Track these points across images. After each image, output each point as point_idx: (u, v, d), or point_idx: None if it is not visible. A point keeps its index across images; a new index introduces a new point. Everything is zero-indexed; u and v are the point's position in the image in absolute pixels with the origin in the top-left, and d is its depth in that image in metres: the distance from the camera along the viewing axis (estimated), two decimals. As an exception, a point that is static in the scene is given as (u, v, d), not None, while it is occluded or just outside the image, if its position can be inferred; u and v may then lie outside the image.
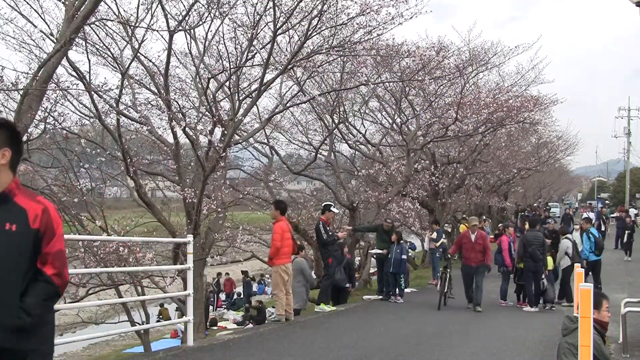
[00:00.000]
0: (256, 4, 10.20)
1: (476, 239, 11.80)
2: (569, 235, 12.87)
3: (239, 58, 11.83)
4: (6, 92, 7.79)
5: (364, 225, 14.76)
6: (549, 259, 12.42)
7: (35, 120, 7.41)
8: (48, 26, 9.66)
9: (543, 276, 11.92)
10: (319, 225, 10.74)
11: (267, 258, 9.80)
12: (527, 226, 16.83)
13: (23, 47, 10.69)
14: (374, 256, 14.17)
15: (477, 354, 7.60)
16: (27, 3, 9.28)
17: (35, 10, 9.39)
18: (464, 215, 21.40)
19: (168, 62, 10.12)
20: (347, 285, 12.68)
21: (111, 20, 10.17)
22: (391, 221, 13.50)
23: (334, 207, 11.82)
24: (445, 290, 11.89)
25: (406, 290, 13.34)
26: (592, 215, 27.38)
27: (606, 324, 5.04)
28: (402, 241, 12.94)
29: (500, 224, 16.07)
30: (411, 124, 17.93)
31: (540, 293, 11.91)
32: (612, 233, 25.55)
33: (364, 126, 19.11)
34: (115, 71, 11.77)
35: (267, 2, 9.77)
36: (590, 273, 12.67)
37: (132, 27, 10.17)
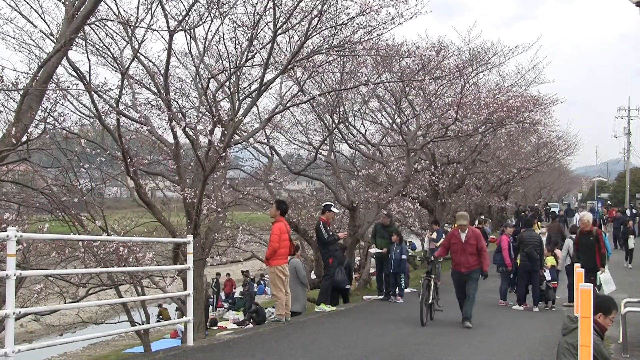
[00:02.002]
0: (256, 4, 10.20)
1: (467, 238, 9.66)
2: (573, 235, 12.94)
3: (239, 58, 11.83)
4: (6, 92, 7.78)
5: (372, 239, 13.61)
6: (551, 258, 12.48)
7: (35, 120, 7.39)
8: (48, 26, 9.67)
9: (548, 276, 11.99)
10: (319, 225, 10.75)
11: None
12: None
13: (23, 47, 10.70)
14: (374, 256, 14.13)
15: (477, 354, 7.60)
16: (27, 3, 9.27)
17: (35, 10, 9.38)
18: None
19: (168, 62, 10.12)
20: (348, 286, 12.65)
21: (111, 20, 10.17)
22: (387, 214, 13.37)
23: (334, 207, 11.76)
24: (430, 302, 9.80)
25: (406, 290, 13.33)
26: None
27: (605, 330, 5.07)
28: (402, 243, 12.84)
29: (502, 226, 16.07)
30: (411, 124, 17.93)
31: (542, 293, 11.94)
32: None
33: (364, 126, 19.14)
34: (115, 71, 11.77)
35: (267, 2, 9.77)
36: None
37: (132, 27, 10.16)
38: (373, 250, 13.22)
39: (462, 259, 9.66)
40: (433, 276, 10.04)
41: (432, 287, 9.84)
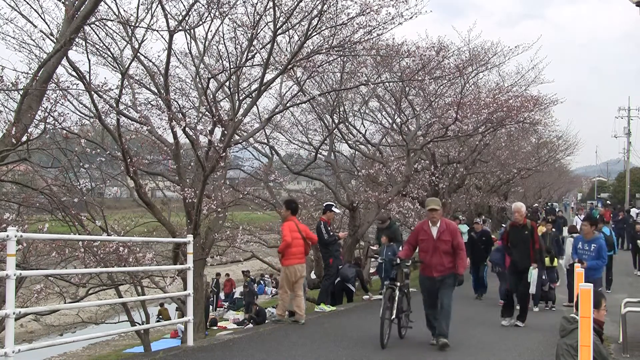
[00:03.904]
0: (256, 4, 10.21)
1: (440, 233, 7.51)
2: (574, 235, 12.94)
3: (239, 58, 11.83)
4: (6, 92, 7.78)
5: (376, 240, 13.77)
6: (546, 259, 12.48)
7: (35, 120, 7.40)
8: (48, 26, 9.67)
9: (544, 276, 11.95)
10: (320, 225, 10.74)
11: (266, 257, 9.81)
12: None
13: (23, 47, 10.71)
14: (375, 254, 14.18)
15: (477, 354, 7.60)
16: (27, 3, 9.28)
17: (35, 10, 9.39)
18: (461, 217, 21.13)
19: (168, 62, 10.11)
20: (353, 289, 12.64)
21: (111, 20, 10.17)
22: (385, 218, 13.35)
23: (335, 207, 11.77)
24: (394, 317, 7.67)
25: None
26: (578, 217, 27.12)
27: (602, 323, 5.09)
28: (392, 243, 12.69)
29: (503, 225, 16.04)
30: (411, 124, 17.92)
31: (543, 293, 11.93)
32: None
33: (364, 126, 19.14)
34: (115, 71, 11.78)
35: (267, 2, 9.77)
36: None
37: (132, 27, 10.17)
38: (374, 248, 13.27)
39: (433, 260, 7.56)
40: (399, 284, 7.78)
41: (396, 298, 7.66)
